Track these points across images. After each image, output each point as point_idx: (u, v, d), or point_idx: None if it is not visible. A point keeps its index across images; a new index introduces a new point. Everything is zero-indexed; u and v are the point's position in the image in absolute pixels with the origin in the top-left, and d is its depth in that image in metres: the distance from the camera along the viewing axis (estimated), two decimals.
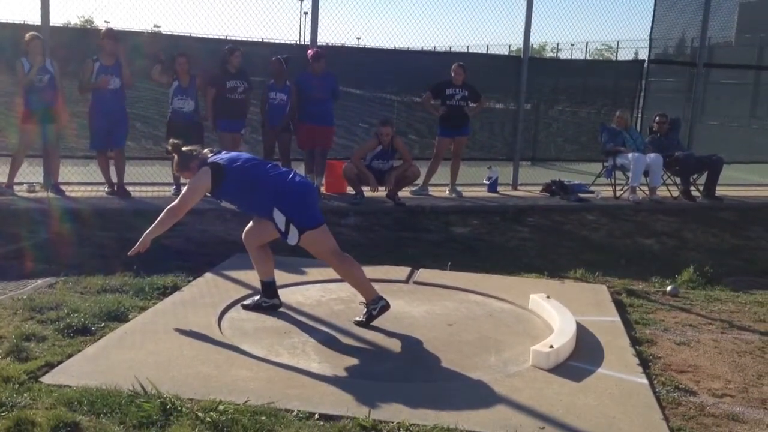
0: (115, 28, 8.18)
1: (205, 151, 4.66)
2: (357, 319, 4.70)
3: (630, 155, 9.10)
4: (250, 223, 4.79)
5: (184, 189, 4.54)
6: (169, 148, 4.62)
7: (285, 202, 4.43)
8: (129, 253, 4.52)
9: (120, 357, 3.88)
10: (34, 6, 7.77)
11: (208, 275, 5.55)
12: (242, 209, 4.78)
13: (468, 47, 20.25)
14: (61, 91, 7.54)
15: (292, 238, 4.43)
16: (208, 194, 4.58)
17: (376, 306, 4.62)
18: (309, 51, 8.43)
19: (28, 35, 7.37)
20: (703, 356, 4.46)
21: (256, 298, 4.90)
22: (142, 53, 8.17)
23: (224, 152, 4.72)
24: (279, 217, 4.42)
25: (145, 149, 8.77)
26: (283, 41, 11.44)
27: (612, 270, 6.49)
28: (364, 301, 4.69)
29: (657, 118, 9.76)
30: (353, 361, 4.11)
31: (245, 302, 4.93)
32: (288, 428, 3.15)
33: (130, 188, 7.96)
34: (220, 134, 8.17)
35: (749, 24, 15.22)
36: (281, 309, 4.88)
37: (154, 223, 4.47)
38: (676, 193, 9.51)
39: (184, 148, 4.59)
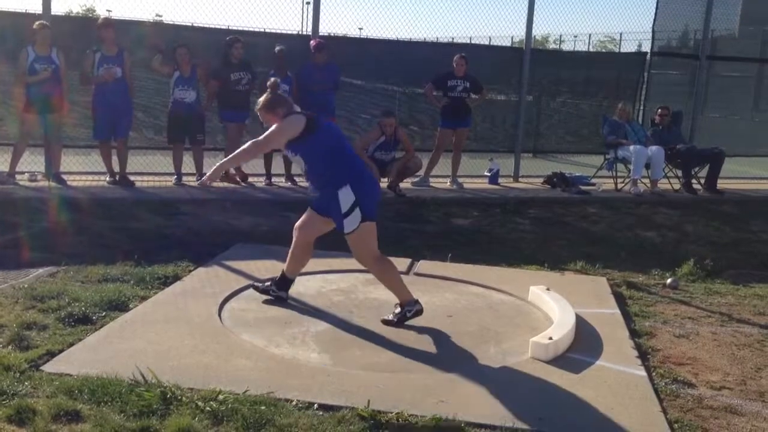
0: (115, 17, 8.14)
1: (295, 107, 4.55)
2: (386, 317, 4.57)
3: (632, 148, 9.10)
4: (305, 215, 4.67)
5: (271, 127, 4.39)
6: (268, 84, 4.57)
7: (360, 184, 4.37)
8: (197, 183, 4.67)
9: (121, 346, 3.89)
10: None
11: (209, 265, 5.57)
12: (311, 172, 4.48)
13: (470, 38, 20.22)
14: (64, 82, 7.53)
15: (352, 222, 4.33)
16: (278, 150, 4.50)
17: (412, 309, 4.53)
18: (312, 42, 8.40)
19: (36, 24, 7.32)
20: (702, 349, 4.48)
21: (268, 283, 4.90)
22: (143, 43, 8.16)
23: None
24: (347, 197, 4.32)
25: (147, 139, 8.77)
26: (285, 31, 11.43)
27: (612, 262, 6.50)
28: (399, 302, 4.59)
29: (659, 110, 9.75)
30: (353, 351, 4.13)
31: (256, 284, 4.95)
32: (287, 418, 3.17)
33: (130, 178, 7.96)
34: (226, 124, 8.18)
35: (753, 16, 15.10)
36: None
37: (233, 154, 4.48)
38: (677, 186, 9.51)
39: (280, 90, 4.56)
